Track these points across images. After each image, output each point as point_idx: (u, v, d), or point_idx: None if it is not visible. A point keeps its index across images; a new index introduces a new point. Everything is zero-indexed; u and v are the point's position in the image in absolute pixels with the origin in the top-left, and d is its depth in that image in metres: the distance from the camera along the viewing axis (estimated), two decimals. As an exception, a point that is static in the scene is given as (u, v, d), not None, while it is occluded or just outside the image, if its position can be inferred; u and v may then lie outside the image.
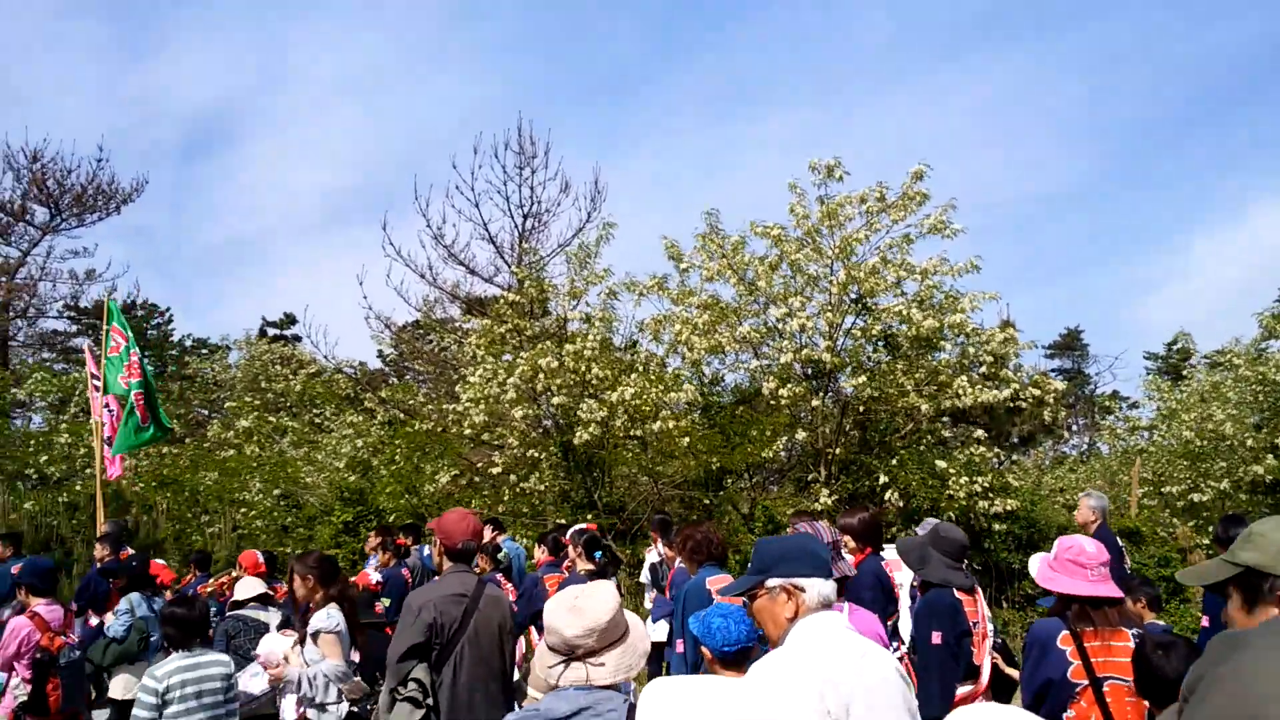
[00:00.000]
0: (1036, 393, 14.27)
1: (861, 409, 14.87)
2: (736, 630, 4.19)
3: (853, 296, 14.14)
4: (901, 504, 13.52)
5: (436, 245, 21.64)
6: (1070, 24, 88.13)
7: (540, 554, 9.40)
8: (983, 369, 14.35)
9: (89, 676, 8.30)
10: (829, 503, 13.37)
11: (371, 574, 10.14)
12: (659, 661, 8.21)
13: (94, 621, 9.35)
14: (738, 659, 4.15)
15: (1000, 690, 5.75)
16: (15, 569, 8.34)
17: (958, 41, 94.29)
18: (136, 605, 8.32)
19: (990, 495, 13.46)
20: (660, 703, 2.39)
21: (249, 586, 7.78)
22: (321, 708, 5.70)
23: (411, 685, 4.73)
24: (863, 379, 13.84)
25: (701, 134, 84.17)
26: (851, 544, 6.04)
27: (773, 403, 14.37)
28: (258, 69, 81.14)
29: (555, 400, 15.13)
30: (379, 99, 77.51)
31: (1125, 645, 4.34)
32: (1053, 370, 42.43)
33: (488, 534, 11.74)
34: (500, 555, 10.68)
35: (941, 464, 13.47)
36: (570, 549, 8.49)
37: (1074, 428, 33.09)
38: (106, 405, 13.25)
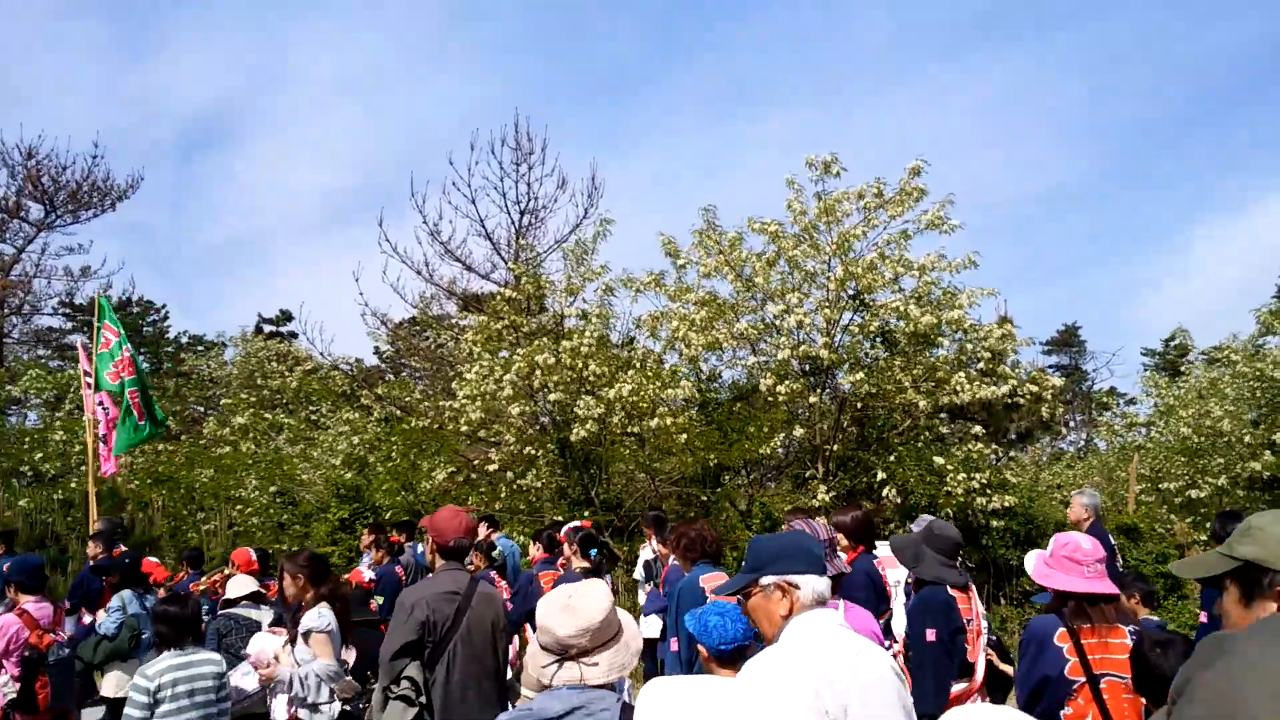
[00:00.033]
0: (1034, 389, 14.24)
1: (859, 405, 14.85)
2: (733, 629, 4.17)
3: (850, 293, 14.11)
4: (899, 500, 13.50)
5: (433, 242, 21.60)
6: (1069, 24, 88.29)
7: (535, 551, 9.38)
8: (980, 365, 14.33)
9: (80, 674, 8.27)
10: (827, 499, 13.34)
11: (365, 572, 10.11)
12: (653, 659, 8.18)
13: (87, 619, 9.34)
14: (734, 657, 4.12)
15: (995, 687, 5.72)
16: (5, 567, 8.31)
17: (957, 41, 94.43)
18: (128, 602, 8.29)
19: (988, 492, 13.45)
20: (659, 703, 2.36)
21: (241, 585, 7.74)
22: (314, 708, 5.66)
23: (404, 683, 4.71)
24: (860, 375, 13.81)
25: (700, 133, 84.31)
26: (844, 542, 6.02)
27: (770, 399, 14.34)
28: (257, 68, 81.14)
29: (552, 397, 15.11)
30: (378, 98, 77.59)
31: (1122, 642, 4.33)
32: (1050, 367, 42.49)
33: (482, 531, 11.73)
34: (495, 553, 10.64)
35: (939, 460, 13.45)
36: (565, 547, 8.46)
37: (1071, 424, 33.13)
38: (100, 403, 13.20)
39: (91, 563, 10.30)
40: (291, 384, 28.08)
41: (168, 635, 5.78)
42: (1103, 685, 4.29)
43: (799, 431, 14.55)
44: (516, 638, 8.02)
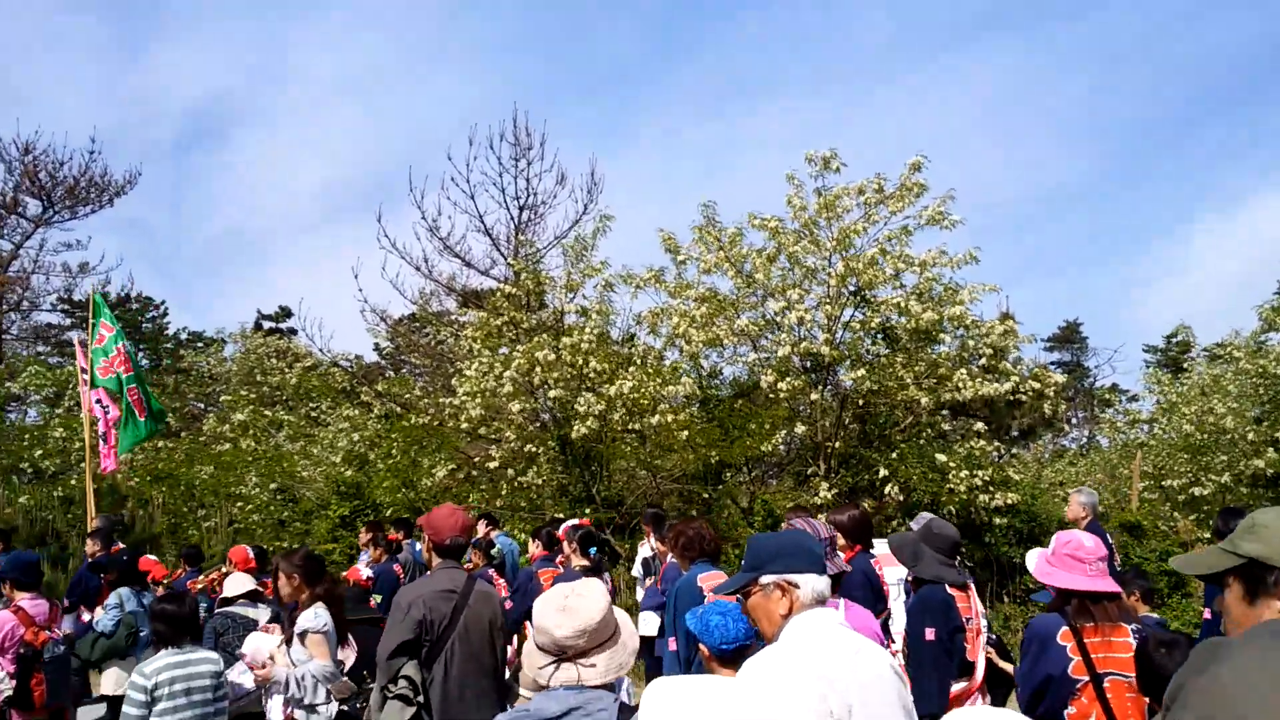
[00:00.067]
0: (1036, 386, 14.19)
1: (861, 402, 14.82)
2: (735, 628, 4.15)
3: (851, 289, 14.07)
4: (902, 498, 13.46)
5: (432, 238, 21.48)
6: (1068, 20, 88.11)
7: (534, 548, 9.35)
8: (982, 361, 14.29)
9: (77, 671, 8.23)
10: (829, 497, 13.31)
11: (362, 569, 10.07)
12: (651, 656, 8.14)
13: (86, 617, 9.30)
14: (735, 657, 4.10)
15: (995, 685, 5.69)
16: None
17: (957, 38, 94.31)
18: (126, 600, 8.26)
19: (991, 489, 13.41)
20: (664, 703, 2.33)
21: (238, 583, 7.69)
22: (310, 709, 5.62)
23: (402, 683, 4.68)
24: (862, 372, 13.78)
25: (699, 129, 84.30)
26: (841, 541, 5.98)
27: (771, 396, 14.31)
28: (255, 64, 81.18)
29: (552, 394, 15.08)
30: (376, 94, 77.67)
31: (1125, 641, 4.31)
32: (1052, 363, 42.47)
33: (481, 529, 11.70)
34: (494, 551, 10.61)
35: (941, 457, 13.41)
36: (565, 545, 8.43)
37: (1073, 421, 33.10)
38: (99, 400, 13.16)
39: (90, 560, 10.28)
40: (291, 381, 28.05)
41: (165, 634, 5.74)
42: (1106, 684, 4.26)
43: (800, 429, 14.52)
44: (515, 637, 7.99)
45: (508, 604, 8.51)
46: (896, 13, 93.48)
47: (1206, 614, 7.85)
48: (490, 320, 16.76)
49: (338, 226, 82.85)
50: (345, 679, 5.87)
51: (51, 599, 7.76)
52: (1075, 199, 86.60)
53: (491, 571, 9.84)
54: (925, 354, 14.43)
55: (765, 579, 3.20)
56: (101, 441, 13.40)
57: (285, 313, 44.44)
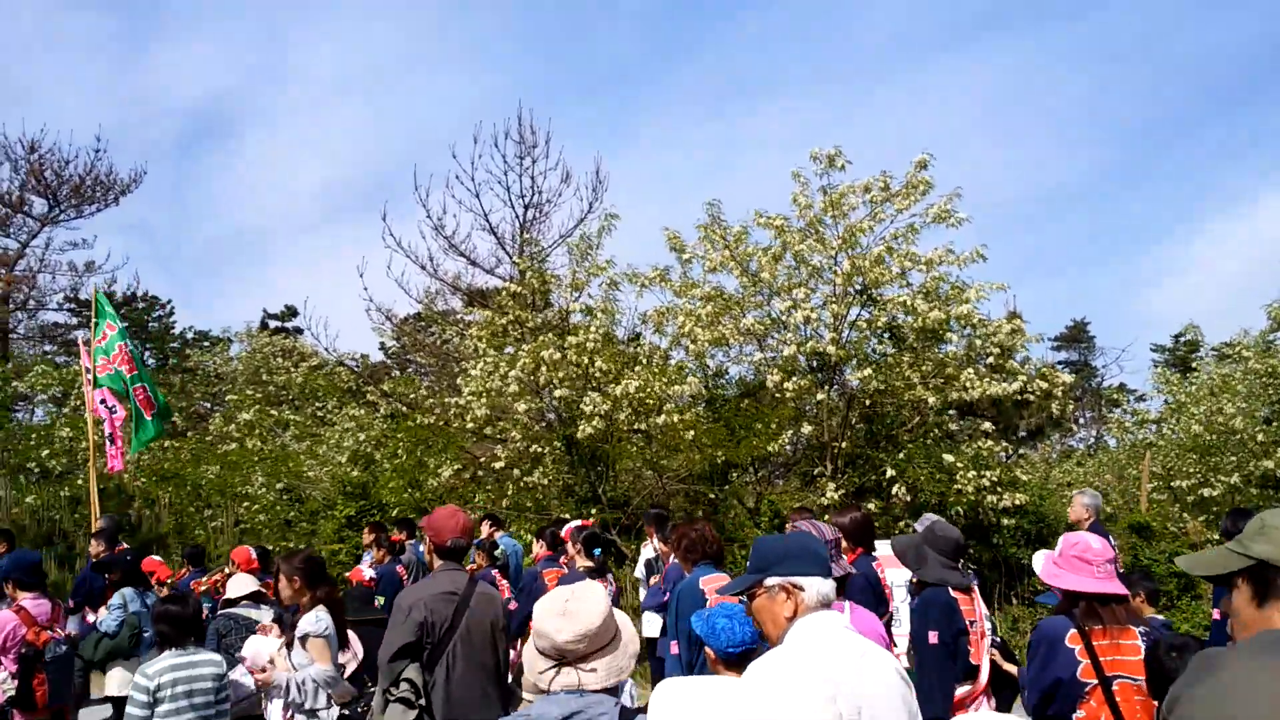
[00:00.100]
0: (1044, 385, 14.12)
1: (867, 402, 14.77)
2: (741, 631, 4.15)
3: (857, 287, 14.02)
4: (909, 498, 13.39)
5: (437, 236, 21.43)
6: (1072, 18, 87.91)
7: (538, 548, 9.33)
8: (990, 360, 14.21)
9: (80, 672, 8.22)
10: (835, 497, 13.25)
11: (365, 570, 10.05)
12: (654, 657, 8.11)
13: (91, 618, 9.29)
14: (741, 660, 4.09)
15: (1000, 688, 5.65)
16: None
17: (960, 37, 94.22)
18: (130, 601, 8.24)
19: (998, 490, 13.34)
20: (673, 704, 2.31)
21: (241, 584, 7.67)
22: (311, 713, 5.59)
23: (403, 686, 4.66)
24: (868, 371, 13.72)
25: (703, 127, 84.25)
26: (843, 543, 5.96)
27: (777, 396, 14.25)
28: (259, 63, 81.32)
29: (558, 393, 15.02)
30: (380, 93, 77.78)
31: (1134, 643, 4.31)
32: (1059, 363, 42.34)
33: (485, 530, 11.68)
34: (497, 552, 10.59)
35: (949, 458, 13.35)
36: (569, 545, 8.41)
37: (1081, 421, 33.01)
38: (103, 400, 13.15)
39: (94, 561, 10.26)
40: (297, 380, 28.09)
41: (169, 634, 5.75)
42: (1115, 687, 4.25)
43: (807, 428, 14.46)
44: (520, 638, 7.95)
45: (512, 605, 8.49)
46: (897, 12, 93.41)
47: (1216, 615, 7.81)
48: (495, 319, 16.73)
49: (343, 225, 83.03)
50: (346, 684, 5.84)
51: (54, 599, 7.75)
52: (1080, 198, 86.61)
53: (495, 572, 9.82)
54: (932, 353, 14.36)
55: (770, 581, 3.19)
56: (108, 442, 13.40)
57: (291, 312, 44.49)
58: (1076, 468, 21.14)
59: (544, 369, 14.64)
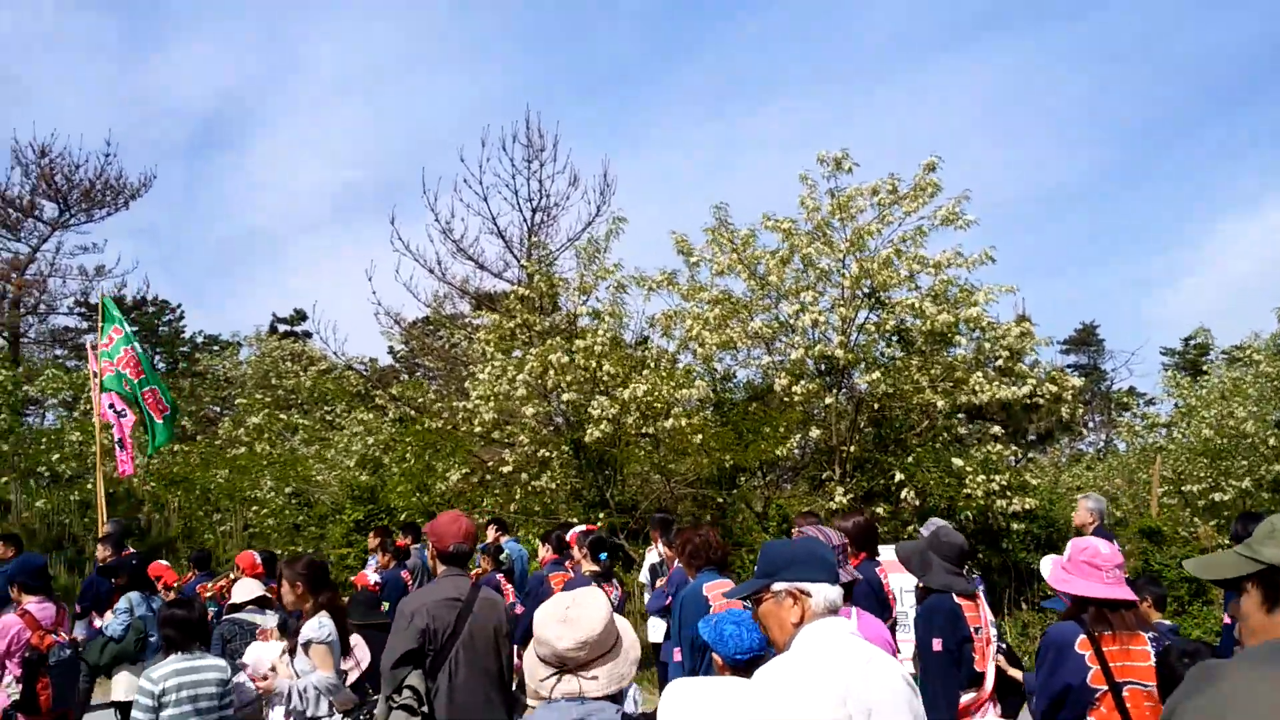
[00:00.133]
0: (1054, 389, 14.06)
1: (876, 406, 14.71)
2: (749, 638, 4.13)
3: (866, 290, 13.98)
4: (918, 503, 13.34)
5: (445, 240, 21.51)
6: (1077, 17, 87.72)
7: (544, 552, 9.31)
8: (999, 363, 14.17)
9: (86, 677, 8.21)
10: (844, 501, 13.20)
11: (370, 575, 10.03)
12: (659, 662, 8.08)
13: (98, 623, 9.28)
14: (749, 667, 4.07)
15: (1006, 693, 5.62)
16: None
17: (963, 36, 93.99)
18: (136, 605, 8.23)
19: (1008, 494, 13.29)
20: (683, 704, 2.28)
21: (246, 589, 7.65)
22: (313, 720, 5.57)
23: (406, 693, 4.63)
24: (877, 375, 13.67)
25: (709, 129, 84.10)
26: (847, 548, 5.93)
27: (786, 399, 14.22)
28: (265, 65, 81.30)
29: (566, 397, 15.00)
30: (387, 95, 77.68)
31: (1143, 649, 4.29)
32: (1068, 366, 42.24)
33: (491, 534, 11.67)
34: (502, 556, 10.56)
35: (958, 462, 13.31)
36: (575, 550, 8.39)
37: (1090, 425, 32.90)
38: (111, 405, 13.14)
39: (100, 565, 10.25)
40: (306, 384, 28.12)
41: (175, 639, 5.75)
42: (1125, 693, 4.22)
43: (815, 432, 14.43)
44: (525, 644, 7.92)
45: (518, 609, 8.47)
46: (897, 12, 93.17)
47: (1226, 619, 7.75)
48: (503, 322, 16.72)
49: (351, 228, 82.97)
50: (347, 690, 5.81)
51: (60, 603, 7.74)
52: (1086, 198, 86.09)
53: (500, 577, 9.81)
54: (941, 356, 14.32)
55: (778, 586, 3.17)
56: (118, 447, 13.40)
57: (300, 316, 44.53)
58: (1086, 472, 21.04)
59: (552, 372, 14.62)
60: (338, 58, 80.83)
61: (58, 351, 34.35)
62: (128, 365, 13.19)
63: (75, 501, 19.62)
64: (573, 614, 2.87)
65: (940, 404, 13.73)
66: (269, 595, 7.70)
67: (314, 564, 6.04)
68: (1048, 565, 4.72)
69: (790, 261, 14.62)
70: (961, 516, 13.09)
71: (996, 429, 14.47)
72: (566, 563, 8.85)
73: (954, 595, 5.24)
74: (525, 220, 21.66)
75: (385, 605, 9.25)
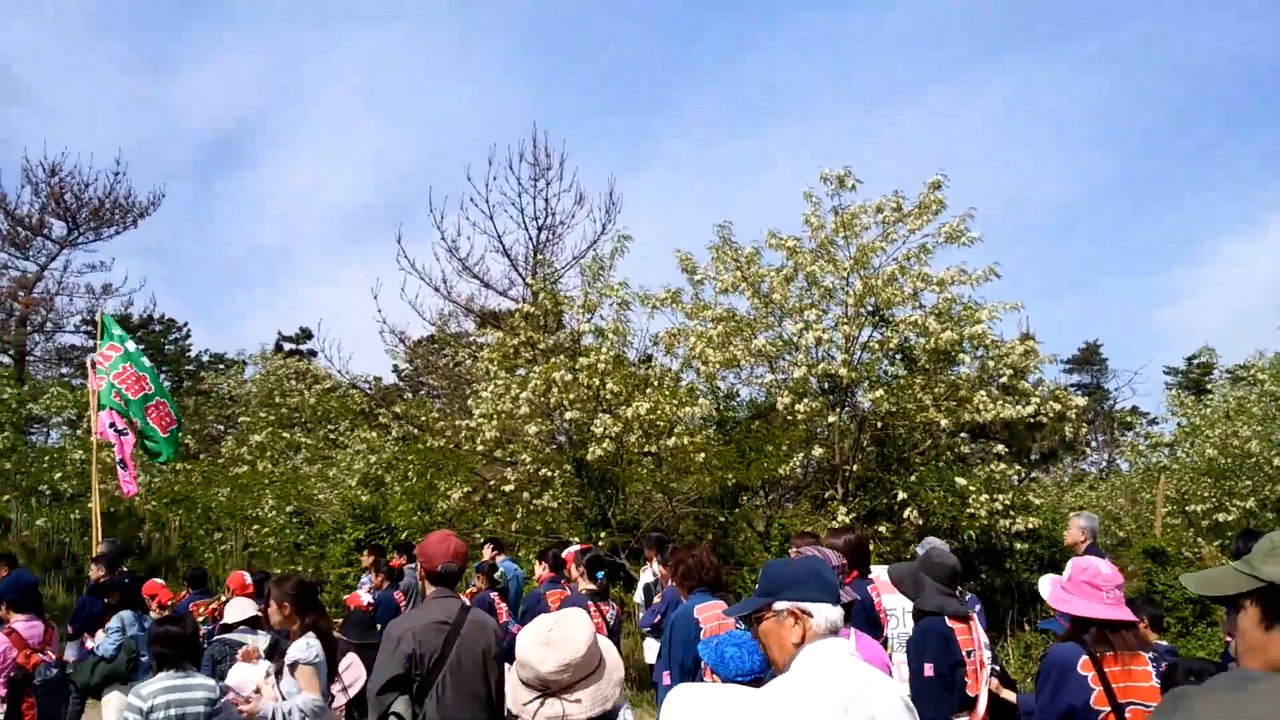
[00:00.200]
0: (1057, 407, 14.00)
1: (879, 424, 14.65)
2: (750, 660, 4.12)
3: (869, 308, 13.94)
4: (921, 522, 13.27)
5: (451, 258, 21.53)
6: (1083, 37, 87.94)
7: (541, 571, 9.29)
8: (1003, 380, 14.10)
9: (77, 698, 8.15)
10: (846, 520, 13.11)
11: (363, 595, 9.97)
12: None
13: (90, 644, 9.21)
14: (750, 689, 4.01)
15: (999, 717, 5.56)
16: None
17: (969, 54, 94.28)
18: (128, 624, 8.16)
19: (1011, 513, 13.21)
20: (687, 710, 2.24)
21: (239, 609, 7.60)
22: (297, 744, 5.49)
23: (392, 719, 4.55)
24: (880, 393, 13.60)
25: (715, 148, 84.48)
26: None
27: (789, 418, 14.17)
28: (274, 85, 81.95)
29: (569, 415, 14.96)
30: (396, 115, 78.16)
31: (1145, 669, 4.27)
32: (1071, 385, 42.13)
33: (487, 553, 11.64)
34: (497, 575, 10.52)
35: (961, 481, 13.25)
36: (572, 569, 8.35)
37: (1093, 444, 32.77)
38: (112, 424, 13.07)
39: (92, 584, 10.18)
40: (310, 402, 28.11)
41: (167, 656, 5.69)
42: (1128, 714, 4.19)
43: (818, 451, 14.38)
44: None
45: (515, 628, 8.40)
46: (905, 35, 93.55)
47: (1229, 639, 7.69)
48: (507, 340, 16.70)
49: (358, 247, 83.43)
50: (333, 713, 5.75)
51: (49, 622, 7.69)
52: (1091, 219, 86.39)
53: (495, 596, 9.77)
54: (945, 375, 14.26)
55: (779, 605, 3.15)
56: (120, 467, 13.33)
57: (306, 334, 44.66)
58: (1089, 491, 20.96)
59: (555, 390, 14.58)
60: (347, 78, 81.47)
61: (64, 370, 34.42)
62: (125, 381, 13.13)
63: (76, 520, 19.60)
64: (555, 636, 2.83)
65: (944, 423, 13.67)
66: (261, 615, 7.64)
67: (302, 584, 5.99)
68: (1046, 585, 4.68)
69: (794, 279, 14.59)
70: (965, 536, 13.01)
71: (1000, 448, 14.39)
72: (563, 581, 8.81)
73: (946, 618, 5.20)
74: (531, 238, 21.72)
75: (379, 627, 9.20)
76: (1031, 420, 14.18)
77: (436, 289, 21.72)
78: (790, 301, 14.51)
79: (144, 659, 7.93)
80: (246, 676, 6.07)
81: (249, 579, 8.99)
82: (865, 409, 14.38)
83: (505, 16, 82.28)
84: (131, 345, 13.69)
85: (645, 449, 14.73)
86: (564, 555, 9.03)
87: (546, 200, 21.41)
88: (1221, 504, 15.71)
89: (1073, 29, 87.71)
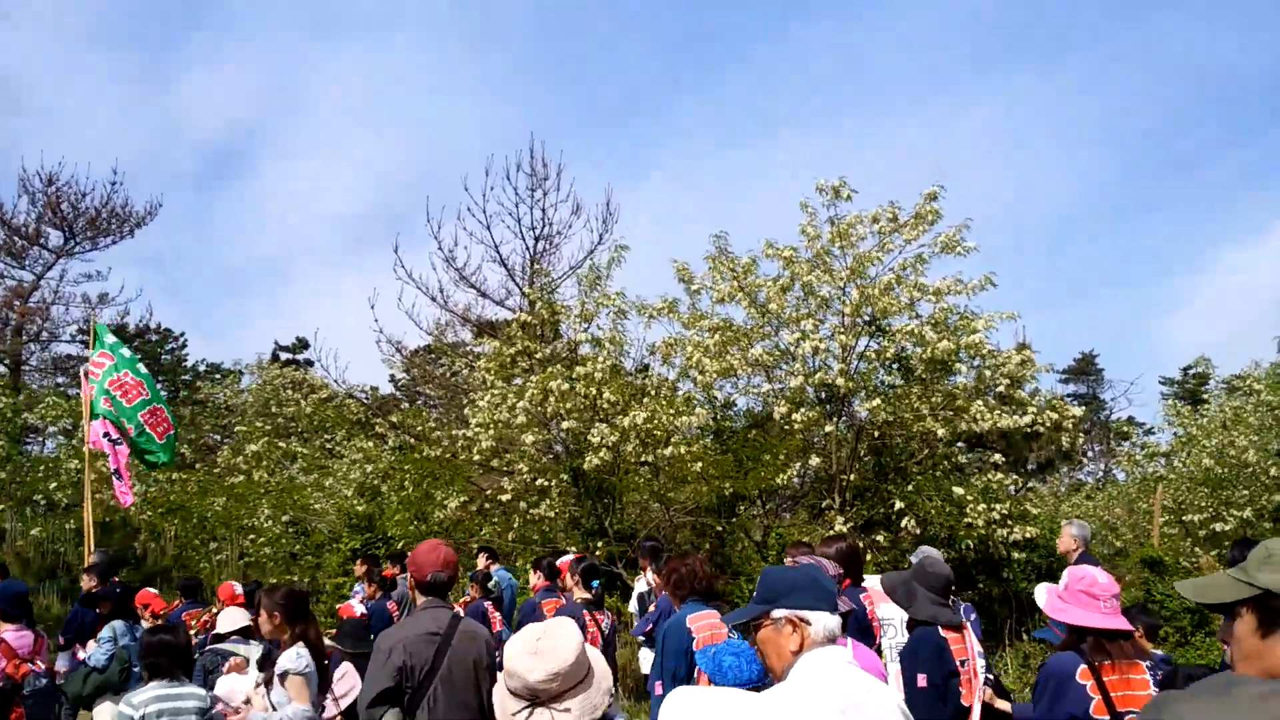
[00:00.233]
0: (1054, 417, 13.98)
1: (876, 434, 14.64)
2: (749, 669, 4.10)
3: (866, 318, 13.93)
4: (918, 531, 13.25)
5: (448, 268, 21.49)
6: (1083, 49, 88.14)
7: (535, 579, 9.26)
8: (1000, 389, 14.09)
9: (69, 709, 8.08)
10: (843, 530, 13.09)
11: (356, 606, 9.90)
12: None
13: (81, 654, 9.14)
14: (747, 700, 3.98)
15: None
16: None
17: (970, 69, 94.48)
18: (120, 634, 8.10)
19: (1009, 523, 13.19)
20: (684, 712, 2.22)
21: (231, 619, 7.55)
22: (286, 755, 5.44)
23: (382, 733, 4.50)
24: (877, 403, 13.60)
25: (712, 158, 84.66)
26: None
27: (785, 427, 14.16)
28: (273, 96, 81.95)
29: (565, 425, 14.94)
30: (394, 125, 78.30)
31: (1143, 679, 4.22)
32: (1067, 395, 42.17)
33: (481, 562, 11.60)
34: (490, 584, 10.48)
35: (959, 490, 13.22)
36: (567, 577, 8.33)
37: (1090, 454, 32.79)
38: (106, 433, 13.00)
39: (84, 594, 10.10)
40: (306, 412, 28.05)
41: (159, 665, 5.64)
42: (1126, 723, 4.15)
43: (815, 460, 14.36)
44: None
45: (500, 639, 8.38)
46: (903, 46, 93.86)
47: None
48: (504, 350, 16.68)
49: (356, 257, 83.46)
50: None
51: (39, 631, 7.64)
52: (1087, 230, 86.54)
53: (488, 605, 9.73)
54: (941, 384, 14.25)
55: (778, 613, 3.12)
56: (115, 478, 13.26)
57: (302, 344, 44.61)
58: (1086, 501, 20.95)
59: (552, 400, 14.56)
60: (345, 89, 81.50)
61: (59, 379, 34.29)
62: (122, 388, 13.07)
63: (70, 530, 19.52)
64: (544, 645, 2.80)
65: (940, 432, 13.65)
66: (253, 625, 7.60)
67: (292, 594, 5.95)
68: (1043, 594, 4.64)
69: (791, 289, 14.59)
70: (962, 545, 12.99)
71: (997, 457, 14.39)
72: (558, 590, 8.79)
73: (940, 628, 5.17)
74: (528, 248, 21.68)
75: (372, 638, 9.14)
76: (1028, 430, 14.16)
77: (433, 299, 21.72)
78: (787, 311, 14.50)
79: (136, 669, 7.88)
80: (235, 686, 6.03)
81: (239, 589, 8.94)
82: (862, 418, 14.37)
83: (503, 28, 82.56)
84: (126, 351, 13.63)
85: (642, 458, 14.70)
86: (559, 564, 9.01)
87: (544, 210, 21.38)
88: (1218, 513, 15.71)
89: (1073, 42, 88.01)
